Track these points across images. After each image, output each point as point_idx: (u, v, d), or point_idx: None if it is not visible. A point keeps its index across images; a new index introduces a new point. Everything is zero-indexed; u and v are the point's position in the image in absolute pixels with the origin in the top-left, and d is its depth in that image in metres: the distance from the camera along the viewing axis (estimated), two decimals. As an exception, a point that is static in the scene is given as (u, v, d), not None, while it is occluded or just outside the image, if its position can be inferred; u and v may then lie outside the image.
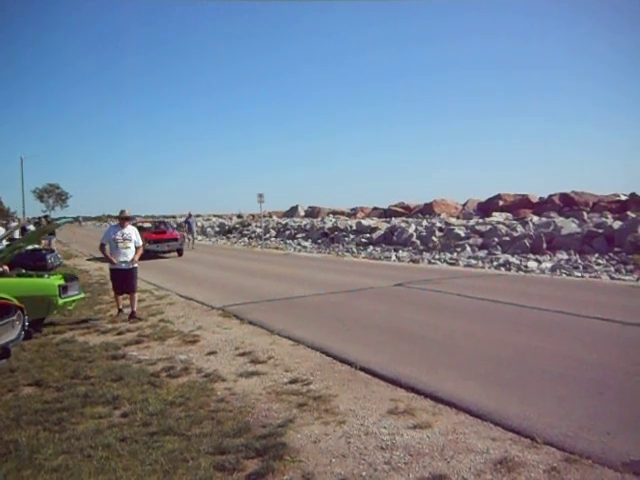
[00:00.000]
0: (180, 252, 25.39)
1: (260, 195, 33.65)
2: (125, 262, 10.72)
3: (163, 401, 5.77)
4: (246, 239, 38.72)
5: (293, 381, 6.32)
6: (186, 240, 30.54)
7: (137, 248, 10.96)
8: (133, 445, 4.73)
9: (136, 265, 10.90)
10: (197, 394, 5.99)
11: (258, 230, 39.82)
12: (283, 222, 42.65)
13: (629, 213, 20.87)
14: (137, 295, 11.01)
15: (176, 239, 25.48)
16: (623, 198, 27.19)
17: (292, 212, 55.98)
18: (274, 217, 51.64)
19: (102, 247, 11.01)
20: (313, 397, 5.73)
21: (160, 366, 7.18)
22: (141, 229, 20.99)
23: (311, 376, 6.48)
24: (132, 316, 10.52)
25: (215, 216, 65.26)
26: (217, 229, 48.69)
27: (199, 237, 44.88)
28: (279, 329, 8.91)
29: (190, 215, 34.30)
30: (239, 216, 61.32)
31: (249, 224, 45.94)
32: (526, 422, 4.87)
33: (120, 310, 10.89)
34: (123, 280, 10.78)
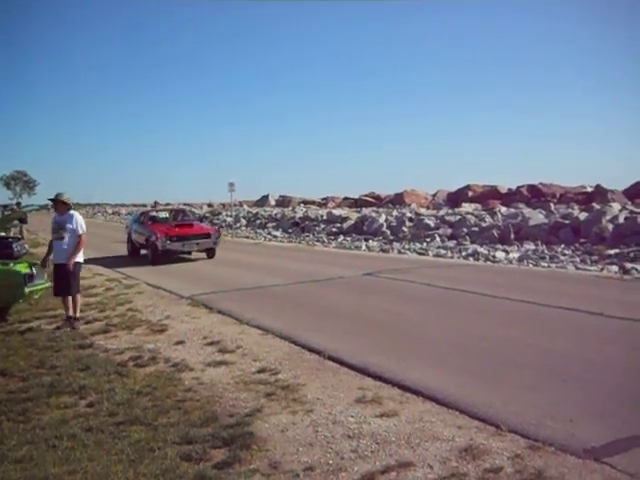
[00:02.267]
0: (211, 253, 18.13)
1: (231, 184, 33.47)
2: (58, 255, 8.94)
3: (130, 391, 5.74)
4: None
5: (261, 370, 6.32)
6: None
7: (78, 237, 8.96)
8: (99, 435, 4.70)
9: (78, 260, 9.05)
10: (164, 384, 5.96)
11: (229, 219, 39.54)
12: (254, 211, 42.48)
13: (594, 205, 21.20)
14: (80, 297, 9.27)
15: (208, 235, 17.86)
16: (589, 190, 27.61)
17: (263, 201, 55.83)
18: (245, 206, 51.41)
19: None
20: (281, 386, 5.74)
21: (127, 355, 7.13)
22: (154, 220, 19.33)
23: (279, 365, 6.48)
24: (68, 321, 8.82)
25: (185, 204, 64.71)
26: (187, 218, 48.27)
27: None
28: (248, 318, 8.89)
29: (155, 204, 32.44)
30: (209, 205, 60.92)
31: (219, 213, 45.63)
32: (491, 410, 4.94)
33: (72, 318, 8.87)
34: (57, 278, 8.97)
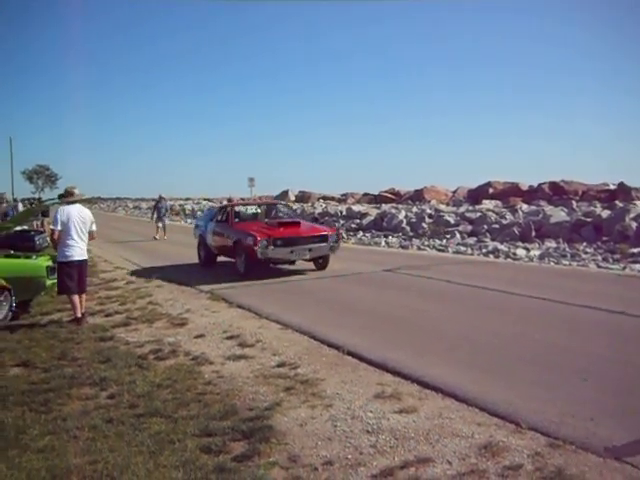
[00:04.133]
0: (324, 262, 13.51)
1: (251, 179, 33.62)
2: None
3: (150, 383, 5.78)
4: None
5: (280, 365, 6.34)
6: (156, 230, 24.57)
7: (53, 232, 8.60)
8: (119, 427, 4.74)
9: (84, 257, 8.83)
10: (184, 376, 6.01)
11: (249, 214, 39.56)
12: (274, 206, 42.44)
13: (617, 202, 20.95)
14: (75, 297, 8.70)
15: (325, 237, 12.95)
16: (612, 187, 27.30)
17: (282, 197, 55.85)
18: (264, 202, 51.49)
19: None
20: (300, 381, 5.75)
21: (148, 348, 7.19)
22: (240, 217, 14.58)
23: (299, 360, 6.49)
24: (84, 318, 8.70)
25: (205, 199, 64.95)
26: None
27: (189, 220, 44.69)
28: (267, 313, 8.91)
29: (161, 198, 26.24)
30: (229, 200, 61.15)
31: (239, 208, 45.65)
32: (511, 408, 4.91)
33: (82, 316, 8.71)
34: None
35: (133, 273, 14.14)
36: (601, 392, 5.24)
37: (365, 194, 46.81)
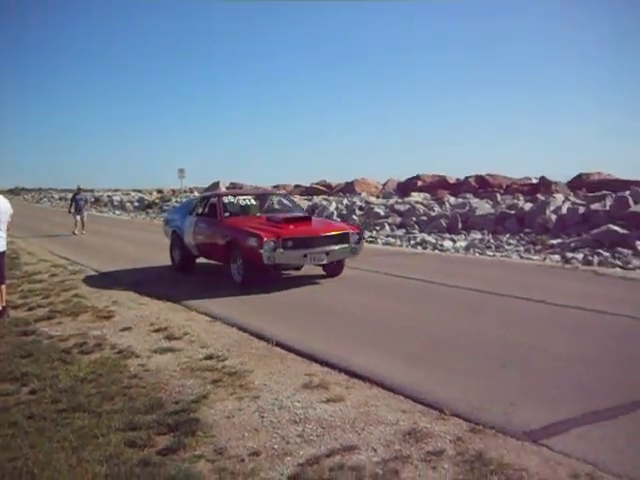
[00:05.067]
0: (339, 267, 11.13)
1: (181, 170, 33.19)
2: None
3: (74, 377, 5.66)
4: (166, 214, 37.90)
5: (208, 357, 6.30)
6: (75, 224, 22.59)
7: None
8: (41, 422, 4.63)
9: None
10: (109, 370, 5.90)
11: (178, 206, 39.11)
12: (204, 198, 42.00)
13: (539, 196, 21.66)
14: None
15: (346, 236, 10.60)
16: (534, 181, 28.20)
17: (213, 188, 55.27)
18: (195, 193, 50.85)
19: None
20: (228, 373, 5.73)
21: (72, 342, 7.03)
22: (231, 211, 11.61)
23: (227, 352, 6.47)
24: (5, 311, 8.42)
25: (135, 191, 63.52)
26: (136, 204, 47.52)
27: (117, 212, 43.75)
28: (196, 305, 8.84)
29: (79, 190, 24.06)
30: (159, 191, 60.10)
31: (169, 199, 45.03)
32: (435, 395, 5.03)
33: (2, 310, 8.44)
34: None
35: (58, 266, 13.73)
36: (520, 378, 5.43)
37: (297, 186, 46.86)
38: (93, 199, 54.87)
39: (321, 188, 42.15)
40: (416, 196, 29.06)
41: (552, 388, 5.15)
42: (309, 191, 42.41)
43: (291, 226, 10.50)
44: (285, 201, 13.38)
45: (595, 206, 17.37)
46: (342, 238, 10.48)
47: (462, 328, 7.20)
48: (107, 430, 4.43)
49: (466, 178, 32.38)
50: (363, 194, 34.26)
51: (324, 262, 10.45)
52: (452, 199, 25.54)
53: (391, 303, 8.84)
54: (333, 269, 11.03)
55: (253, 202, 12.29)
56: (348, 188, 38.68)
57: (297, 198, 33.45)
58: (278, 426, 4.50)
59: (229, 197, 12.36)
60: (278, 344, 6.70)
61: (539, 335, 6.83)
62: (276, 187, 48.44)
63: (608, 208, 16.81)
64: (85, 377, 5.68)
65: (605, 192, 19.39)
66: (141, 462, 3.91)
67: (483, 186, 29.67)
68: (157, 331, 7.46)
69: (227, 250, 10.62)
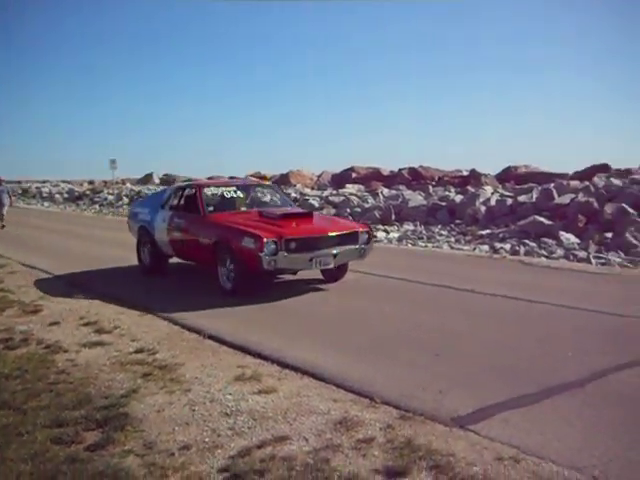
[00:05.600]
0: (343, 270, 9.73)
1: (112, 161, 32.37)
2: None
3: (-2, 374, 5.48)
4: (97, 206, 37.09)
5: (139, 351, 6.20)
6: None
7: None
8: (-38, 422, 4.47)
9: None
10: (36, 366, 5.74)
11: (110, 197, 38.34)
12: (137, 189, 41.32)
13: (469, 188, 22.18)
14: None
15: (355, 235, 9.11)
16: (465, 174, 28.89)
17: (146, 179, 54.37)
18: (127, 184, 49.85)
19: None
20: (159, 366, 5.66)
21: (-4, 338, 6.79)
22: (213, 204, 10.15)
23: (158, 345, 6.38)
24: None
25: (64, 182, 61.66)
26: (66, 195, 46.26)
27: (46, 203, 42.48)
28: (126, 298, 8.69)
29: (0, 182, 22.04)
30: (90, 182, 58.63)
31: (101, 191, 44.04)
32: (367, 384, 5.11)
33: None
34: None
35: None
36: (450, 366, 5.56)
37: (231, 177, 46.32)
38: (21, 191, 53.12)
39: (255, 179, 41.94)
40: (350, 188, 29.27)
41: (480, 375, 5.30)
42: (243, 183, 42.05)
43: (293, 224, 9.00)
44: (274, 194, 11.67)
45: (522, 198, 17.89)
46: (350, 238, 9.02)
47: (397, 319, 7.32)
48: (32, 427, 4.32)
49: (399, 170, 32.84)
50: (298, 186, 34.30)
51: (330, 266, 8.88)
52: (386, 191, 25.84)
53: (324, 295, 8.90)
54: (336, 273, 9.55)
55: (240, 194, 10.63)
56: (283, 180, 38.63)
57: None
58: (209, 419, 4.47)
59: (211, 188, 10.68)
60: (210, 337, 6.66)
61: (468, 323, 7.02)
62: (210, 178, 47.92)
63: (534, 200, 17.33)
64: (10, 373, 5.51)
65: (531, 184, 19.99)
66: (68, 459, 3.83)
67: (416, 178, 30.15)
68: (86, 325, 7.30)
69: (212, 251, 9.05)
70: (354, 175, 34.54)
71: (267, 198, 11.56)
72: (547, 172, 24.60)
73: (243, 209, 10.22)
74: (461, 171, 30.45)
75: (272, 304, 8.27)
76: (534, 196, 17.63)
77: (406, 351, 6.04)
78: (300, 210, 10.79)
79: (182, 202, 10.71)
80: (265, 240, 8.14)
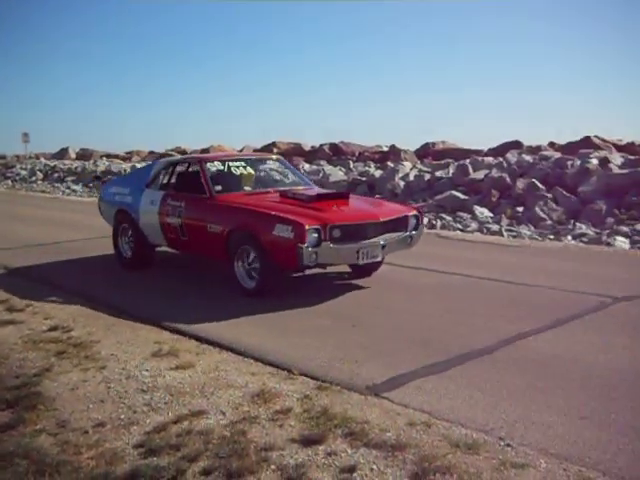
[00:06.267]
0: (376, 264, 7.88)
1: (25, 134, 31.15)
2: None
3: None
4: (9, 182, 35.55)
5: (53, 328, 6.05)
6: None
7: None
8: None
9: None
10: (-59, 347, 5.52)
11: (23, 172, 36.82)
12: (52, 164, 39.82)
13: (389, 163, 22.44)
14: None
15: (404, 222, 7.51)
16: (385, 149, 29.16)
17: (62, 154, 52.37)
18: (42, 159, 47.90)
19: None
20: (73, 344, 5.54)
21: None
22: (221, 183, 8.15)
23: (73, 323, 6.24)
24: None
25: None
26: (-27, 171, 44.12)
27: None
28: (39, 274, 8.44)
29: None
30: (2, 157, 56.09)
31: (13, 166, 42.16)
32: (284, 356, 5.19)
33: None
34: None
35: None
36: (366, 336, 5.70)
37: (151, 152, 45.41)
38: None
39: (175, 154, 41.17)
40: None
41: (394, 344, 5.47)
42: (163, 157, 41.27)
43: (333, 207, 7.29)
44: (285, 169, 9.52)
45: (439, 173, 18.27)
46: (400, 224, 7.46)
47: (317, 292, 7.40)
48: (-62, 409, 4.18)
49: (321, 146, 32.87)
50: (219, 161, 33.86)
51: (378, 259, 7.42)
52: (307, 166, 25.87)
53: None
54: (370, 266, 7.90)
55: (250, 170, 8.67)
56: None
57: (150, 164, 32.48)
58: (125, 396, 4.43)
59: (216, 163, 8.61)
60: (124, 312, 6.59)
61: (384, 296, 7.19)
62: (129, 153, 46.77)
63: (451, 175, 17.72)
64: None
65: (448, 160, 20.42)
66: (-25, 441, 3.73)
67: (337, 153, 30.25)
68: (-4, 304, 7.06)
69: (225, 242, 7.32)
70: (276, 150, 34.34)
71: (279, 175, 9.39)
72: (463, 148, 25.10)
73: (260, 189, 8.40)
74: (381, 147, 30.75)
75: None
76: (450, 171, 18.02)
77: (324, 321, 6.18)
78: (333, 191, 9.10)
79: (177, 180, 8.93)
80: (307, 227, 6.51)
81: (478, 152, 23.12)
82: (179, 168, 9.36)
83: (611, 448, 3.55)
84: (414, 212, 7.77)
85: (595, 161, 14.63)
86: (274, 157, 10.19)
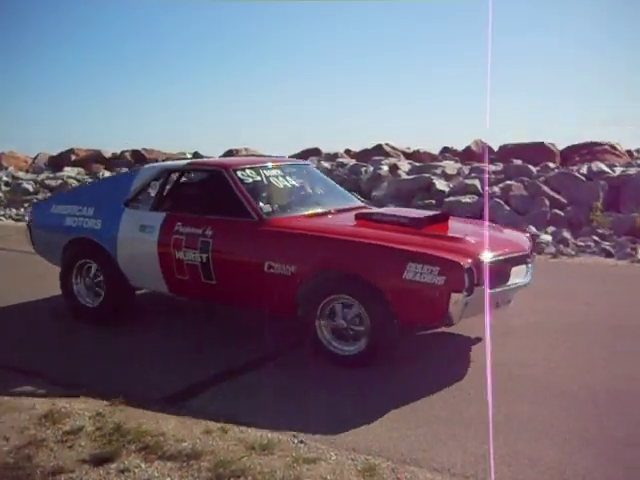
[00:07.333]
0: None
1: None
2: None
3: None
4: None
5: None
6: None
7: None
8: None
9: None
10: None
11: None
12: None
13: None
14: None
15: (526, 256, 5.33)
16: (188, 156, 28.99)
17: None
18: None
19: None
20: None
21: None
22: (257, 197, 5.64)
23: None
24: None
25: None
26: None
27: None
28: None
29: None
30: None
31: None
32: (73, 376, 5.02)
33: None
34: None
35: None
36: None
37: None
38: None
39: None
40: (69, 171, 27.83)
41: (188, 352, 5.54)
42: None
43: (469, 239, 4.99)
44: (317, 179, 7.06)
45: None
46: (528, 256, 5.48)
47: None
48: None
49: (122, 152, 32.04)
50: (11, 168, 31.55)
51: (510, 304, 5.36)
52: (107, 173, 25.10)
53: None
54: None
55: (294, 183, 6.24)
56: (-5, 162, 35.23)
57: None
58: None
59: (248, 171, 5.88)
60: None
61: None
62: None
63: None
64: None
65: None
66: None
67: (139, 160, 29.59)
68: None
69: (295, 288, 5.04)
70: (74, 157, 32.83)
71: (319, 187, 6.78)
72: (265, 155, 25.73)
73: (319, 209, 5.90)
74: (184, 153, 30.55)
75: None
76: (254, 178, 18.39)
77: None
78: (429, 212, 6.30)
79: (187, 196, 6.45)
80: (465, 266, 4.51)
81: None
82: (185, 179, 7.07)
83: (394, 435, 3.86)
84: (528, 242, 5.82)
85: (386, 167, 15.70)
86: (303, 162, 7.93)
